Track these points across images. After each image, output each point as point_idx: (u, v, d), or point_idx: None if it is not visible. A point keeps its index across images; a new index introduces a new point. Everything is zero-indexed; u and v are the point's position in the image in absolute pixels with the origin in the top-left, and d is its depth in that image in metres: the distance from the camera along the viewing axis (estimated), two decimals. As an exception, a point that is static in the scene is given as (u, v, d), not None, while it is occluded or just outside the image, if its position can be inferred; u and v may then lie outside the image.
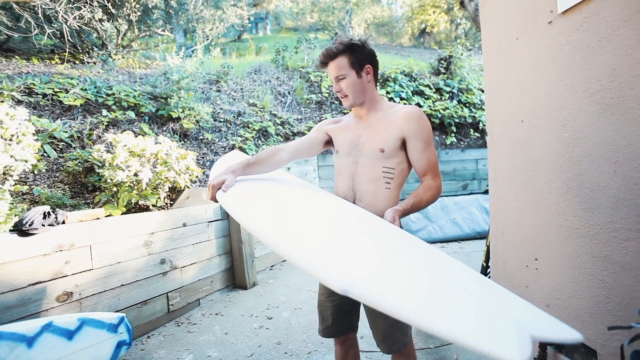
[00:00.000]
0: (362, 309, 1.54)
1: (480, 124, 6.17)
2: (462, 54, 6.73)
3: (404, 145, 1.35)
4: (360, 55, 1.35)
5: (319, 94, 5.82)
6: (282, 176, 1.56)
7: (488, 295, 0.75)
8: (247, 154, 4.25)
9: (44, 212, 2.12)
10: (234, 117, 4.79)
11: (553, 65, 1.70)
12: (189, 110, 4.23)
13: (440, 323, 0.56)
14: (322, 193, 1.43)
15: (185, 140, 4.21)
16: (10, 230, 2.06)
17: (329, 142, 1.53)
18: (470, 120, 6.15)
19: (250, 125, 4.68)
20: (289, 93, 5.73)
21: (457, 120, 6.09)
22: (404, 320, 0.58)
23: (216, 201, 1.18)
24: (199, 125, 4.36)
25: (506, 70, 2.10)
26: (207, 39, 8.23)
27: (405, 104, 5.90)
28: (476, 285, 0.80)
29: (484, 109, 6.34)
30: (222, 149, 4.30)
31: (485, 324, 0.60)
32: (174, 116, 4.10)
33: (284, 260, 4.27)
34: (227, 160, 1.60)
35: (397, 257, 0.87)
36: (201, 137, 4.30)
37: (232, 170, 1.23)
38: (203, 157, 4.12)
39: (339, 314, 1.48)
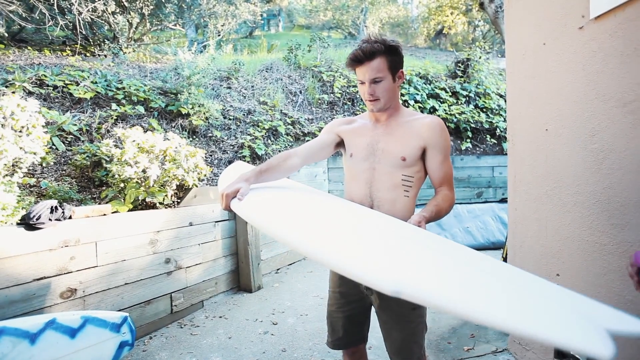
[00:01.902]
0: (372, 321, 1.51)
1: (498, 130, 6.10)
2: (480, 57, 6.66)
3: (423, 154, 1.36)
4: (397, 58, 1.31)
5: (331, 94, 5.81)
6: (291, 183, 1.55)
7: (549, 292, 0.73)
8: (257, 153, 4.25)
9: (52, 207, 2.13)
10: (244, 115, 4.80)
11: (582, 72, 1.66)
12: (199, 106, 4.24)
13: (513, 319, 0.55)
14: (338, 199, 1.40)
15: (194, 137, 4.22)
16: (18, 224, 2.07)
17: (340, 144, 1.50)
18: (487, 126, 6.08)
19: (260, 124, 4.68)
20: (300, 92, 5.73)
21: (473, 125, 6.03)
22: (463, 318, 0.57)
23: (230, 210, 1.17)
24: (208, 123, 4.37)
25: (531, 76, 2.07)
26: (219, 35, 8.28)
27: (420, 107, 5.86)
28: (531, 282, 0.78)
29: (501, 115, 6.26)
30: (231, 147, 4.31)
31: (559, 320, 0.59)
32: (183, 112, 4.12)
33: (290, 264, 4.26)
34: (232, 171, 1.60)
35: (442, 257, 0.87)
36: (210, 135, 4.31)
37: (245, 178, 1.22)
38: (211, 155, 4.13)
39: (350, 325, 1.46)
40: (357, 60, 1.27)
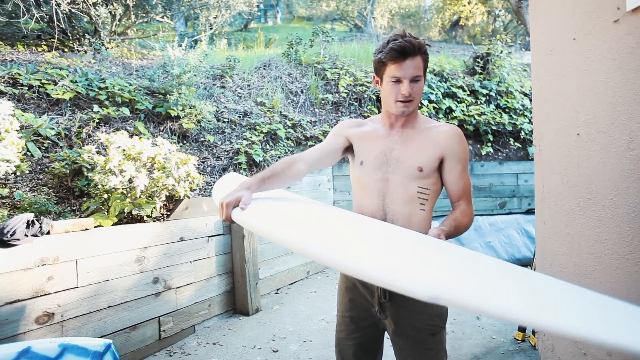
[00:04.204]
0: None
1: (522, 133, 6.11)
2: (501, 52, 6.70)
3: (440, 165, 1.38)
4: (428, 60, 1.35)
5: (336, 94, 5.85)
6: (291, 195, 1.57)
7: (594, 296, 0.76)
8: (254, 160, 4.27)
9: (28, 221, 2.15)
10: (240, 117, 4.84)
11: (618, 70, 1.68)
12: (190, 108, 4.28)
13: (578, 324, 0.57)
14: (346, 211, 1.42)
15: (185, 142, 4.26)
16: (-10, 240, 2.09)
17: (349, 149, 1.51)
18: (510, 128, 6.10)
19: (257, 127, 4.71)
20: (301, 92, 5.77)
21: (494, 127, 6.04)
22: (509, 320, 0.61)
23: (231, 221, 1.18)
24: (200, 126, 4.41)
25: (560, 75, 2.09)
26: (211, 28, 8.36)
27: (435, 107, 5.90)
28: (571, 287, 0.81)
29: (526, 115, 6.28)
30: (226, 153, 4.34)
31: (619, 320, 0.61)
32: (172, 115, 4.16)
33: (292, 284, 4.26)
34: (225, 183, 1.62)
35: (473, 265, 0.90)
36: (202, 139, 4.35)
37: (247, 186, 1.23)
38: (204, 162, 4.16)
39: (362, 354, 1.46)
40: (405, 52, 1.26)
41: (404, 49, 1.26)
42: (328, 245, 0.90)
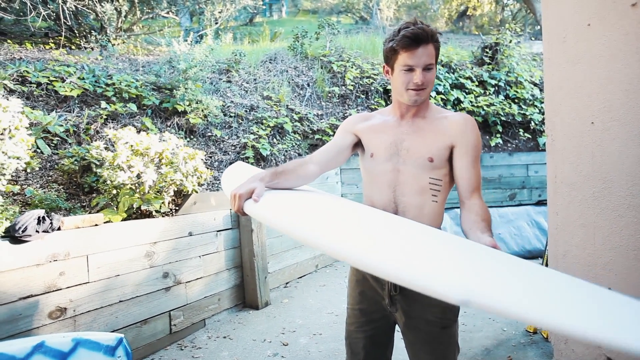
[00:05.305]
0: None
1: (532, 123, 6.03)
2: (510, 41, 6.59)
3: (450, 155, 1.34)
4: (439, 49, 1.32)
5: (343, 87, 5.81)
6: (306, 187, 1.55)
7: (613, 295, 0.73)
8: (261, 154, 4.26)
9: (38, 217, 2.16)
10: (246, 111, 4.83)
11: (636, 57, 1.63)
12: (197, 103, 4.27)
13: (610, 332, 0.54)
14: (361, 205, 1.40)
15: (192, 137, 4.25)
16: (2, 237, 2.10)
17: (358, 144, 1.49)
18: (519, 119, 6.02)
19: (264, 121, 4.70)
20: (308, 85, 5.74)
21: (503, 118, 5.97)
22: (544, 327, 0.59)
23: (242, 213, 1.17)
24: (207, 121, 4.40)
25: (573, 62, 2.04)
26: (216, 23, 8.34)
27: (443, 99, 5.83)
28: (588, 286, 0.78)
29: (536, 106, 6.19)
30: (233, 147, 4.33)
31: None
32: (179, 110, 4.16)
33: (301, 277, 4.26)
34: (233, 173, 1.61)
35: (502, 266, 0.87)
36: (209, 134, 4.34)
37: (260, 178, 1.23)
38: (211, 157, 4.16)
39: (372, 347, 1.45)
40: (419, 40, 1.23)
41: (417, 36, 1.22)
42: (353, 244, 0.88)
